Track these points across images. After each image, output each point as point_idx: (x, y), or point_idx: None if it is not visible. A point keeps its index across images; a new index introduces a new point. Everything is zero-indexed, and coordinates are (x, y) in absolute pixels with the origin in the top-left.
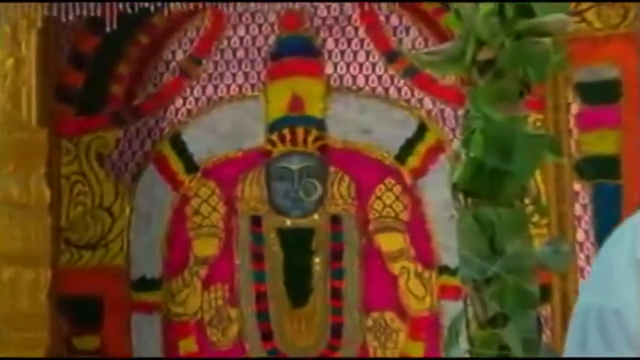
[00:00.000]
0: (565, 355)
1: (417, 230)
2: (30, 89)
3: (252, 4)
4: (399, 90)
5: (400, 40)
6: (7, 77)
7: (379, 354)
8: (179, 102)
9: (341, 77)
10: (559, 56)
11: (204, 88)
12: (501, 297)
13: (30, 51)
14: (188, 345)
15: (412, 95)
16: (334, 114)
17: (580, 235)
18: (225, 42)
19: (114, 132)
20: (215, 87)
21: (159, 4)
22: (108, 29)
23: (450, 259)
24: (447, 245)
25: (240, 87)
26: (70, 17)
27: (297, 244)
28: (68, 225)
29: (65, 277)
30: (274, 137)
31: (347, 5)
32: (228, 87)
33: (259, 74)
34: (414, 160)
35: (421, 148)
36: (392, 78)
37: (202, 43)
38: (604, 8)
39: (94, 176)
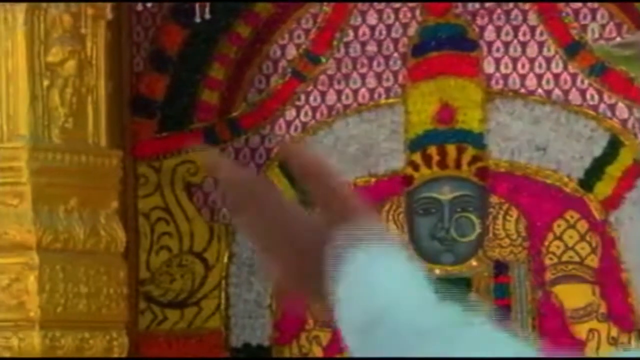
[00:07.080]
0: None
1: (611, 281)
2: (97, 99)
3: None
4: (582, 93)
5: (585, 28)
6: (67, 84)
7: None
8: (291, 113)
9: (505, 77)
10: None
11: (323, 94)
12: None
13: (98, 50)
14: None
15: (601, 100)
16: (497, 127)
17: None
18: (351, 34)
19: None
20: (339, 93)
21: None
22: (198, 20)
23: None
24: None
25: (371, 92)
26: (149, 4)
27: (448, 299)
28: (149, 276)
29: (146, 344)
30: (417, 157)
31: None
32: (355, 92)
33: (395, 74)
34: (604, 187)
35: (614, 171)
36: (573, 78)
37: (321, 35)
38: None
39: (181, 212)
